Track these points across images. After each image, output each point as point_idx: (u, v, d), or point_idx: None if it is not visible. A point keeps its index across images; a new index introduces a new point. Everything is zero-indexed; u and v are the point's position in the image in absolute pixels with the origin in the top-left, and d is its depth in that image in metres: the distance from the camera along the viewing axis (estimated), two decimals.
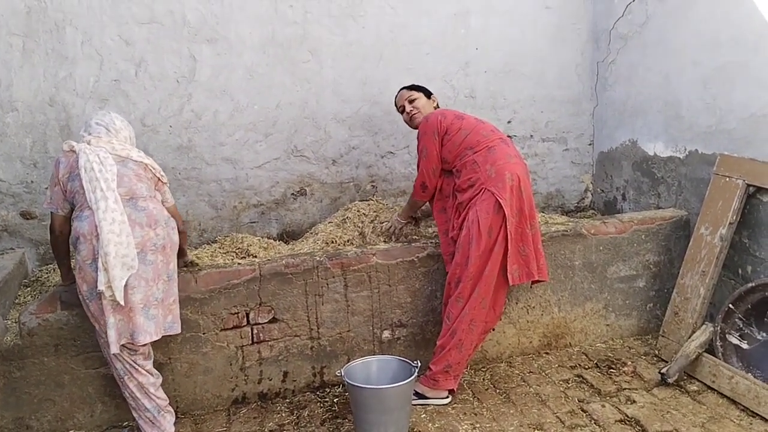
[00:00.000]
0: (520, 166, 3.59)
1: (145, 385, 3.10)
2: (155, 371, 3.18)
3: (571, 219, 4.38)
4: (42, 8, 3.95)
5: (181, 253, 3.41)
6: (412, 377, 3.24)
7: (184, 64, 4.26)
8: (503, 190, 3.46)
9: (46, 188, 4.04)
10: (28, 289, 3.86)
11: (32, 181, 4.07)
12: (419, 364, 3.35)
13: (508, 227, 3.44)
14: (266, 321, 3.60)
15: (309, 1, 4.46)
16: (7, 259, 3.90)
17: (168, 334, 3.15)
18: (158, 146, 4.28)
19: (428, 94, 4.06)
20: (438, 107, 4.06)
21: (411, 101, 3.98)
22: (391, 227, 4.12)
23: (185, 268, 3.49)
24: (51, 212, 3.13)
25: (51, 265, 4.07)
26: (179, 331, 3.20)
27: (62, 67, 4.03)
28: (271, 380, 3.67)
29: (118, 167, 3.01)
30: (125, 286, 2.89)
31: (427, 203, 4.00)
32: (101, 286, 2.84)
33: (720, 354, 3.70)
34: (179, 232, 3.26)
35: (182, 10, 4.20)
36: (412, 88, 4.07)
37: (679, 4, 4.31)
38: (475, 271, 3.47)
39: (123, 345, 2.98)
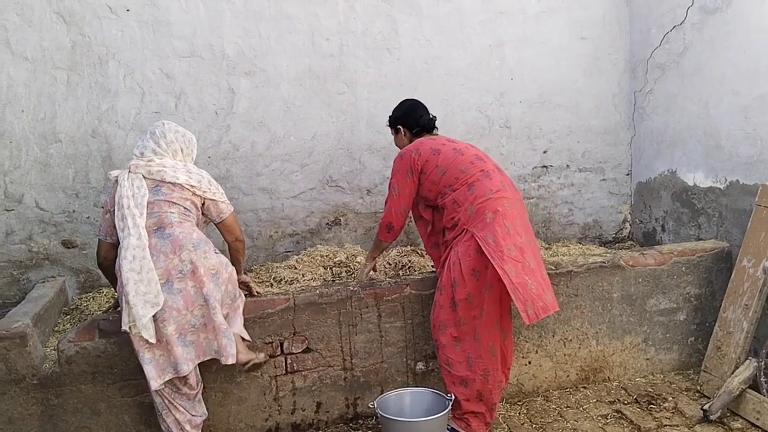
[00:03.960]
0: (503, 200, 3.36)
1: (182, 422, 3.10)
2: (200, 409, 3.17)
3: (609, 250, 4.33)
4: (86, 42, 4.08)
5: (236, 272, 3.27)
6: (446, 410, 3.20)
7: (223, 97, 4.34)
8: (483, 231, 3.28)
9: (88, 217, 4.16)
10: (68, 316, 3.93)
11: (74, 211, 4.16)
12: (453, 397, 3.30)
13: (497, 268, 3.15)
14: (300, 351, 3.60)
15: (345, 34, 4.53)
16: (47, 287, 3.98)
17: (217, 357, 3.00)
18: None
19: (396, 128, 3.89)
20: (412, 139, 3.82)
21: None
22: (360, 273, 3.92)
23: None
24: (98, 238, 3.17)
25: (91, 294, 4.15)
26: (231, 362, 3.00)
27: (105, 99, 4.14)
28: (304, 411, 3.66)
29: (151, 195, 3.00)
30: (156, 320, 2.88)
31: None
32: (124, 326, 2.85)
33: (765, 390, 3.58)
34: (237, 241, 3.30)
35: (221, 44, 4.30)
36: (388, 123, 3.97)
37: (718, 33, 4.27)
38: (465, 317, 3.33)
39: (169, 380, 2.97)
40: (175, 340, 2.92)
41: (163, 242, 2.95)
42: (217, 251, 3.13)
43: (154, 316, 2.88)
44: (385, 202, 3.71)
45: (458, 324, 3.37)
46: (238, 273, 3.32)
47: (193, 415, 3.13)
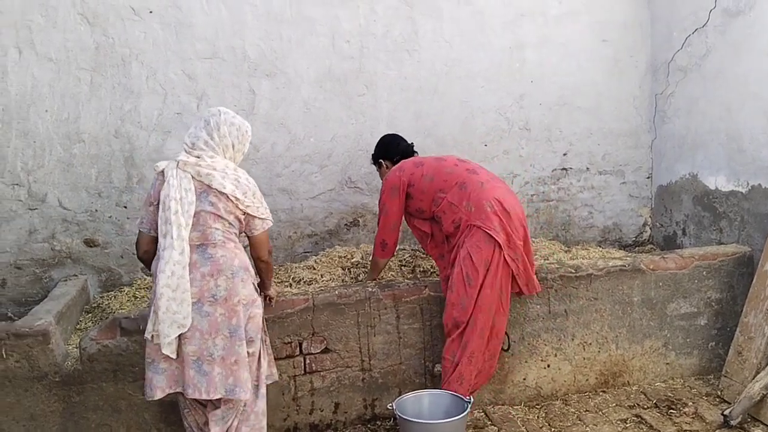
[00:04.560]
0: (497, 189, 3.54)
1: (201, 424, 3.01)
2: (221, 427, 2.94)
3: (629, 254, 4.30)
4: (110, 44, 4.12)
5: (263, 286, 3.22)
6: (465, 413, 3.19)
7: (244, 98, 4.37)
8: (488, 221, 3.41)
9: (110, 217, 4.20)
10: (89, 315, 3.97)
11: (96, 210, 4.20)
12: (472, 400, 3.30)
13: (508, 251, 3.42)
14: (319, 351, 3.61)
15: (365, 36, 4.54)
16: (70, 286, 4.02)
17: (229, 398, 2.84)
18: None
19: (378, 163, 4.08)
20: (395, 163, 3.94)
21: None
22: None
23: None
24: (140, 230, 3.00)
25: (112, 292, 4.18)
26: (244, 397, 2.86)
27: (128, 100, 4.18)
28: (322, 411, 3.67)
29: (198, 203, 2.82)
30: (179, 336, 2.77)
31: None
32: (147, 334, 2.79)
33: None
34: (259, 261, 3.06)
35: (243, 46, 4.32)
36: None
37: (741, 36, 4.24)
38: (473, 308, 3.42)
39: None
40: (191, 362, 2.79)
41: (204, 261, 2.81)
42: (257, 286, 3.04)
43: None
44: (378, 222, 3.81)
45: (467, 317, 3.43)
46: (265, 288, 3.25)
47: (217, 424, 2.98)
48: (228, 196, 2.83)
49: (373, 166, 4.19)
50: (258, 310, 2.95)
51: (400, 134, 4.17)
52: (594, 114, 5.06)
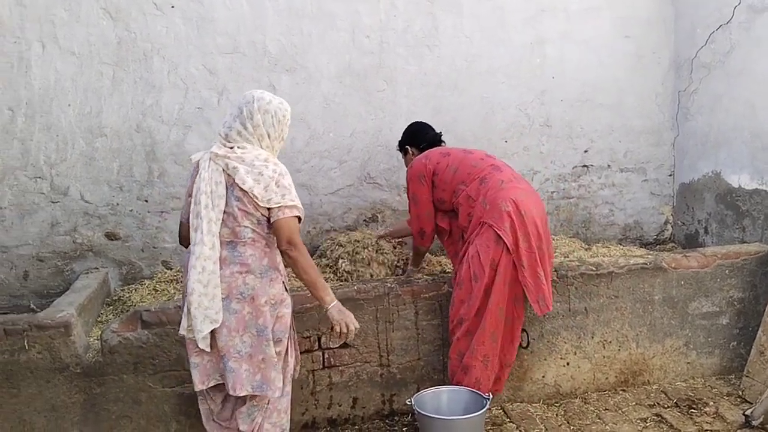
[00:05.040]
0: (516, 190, 3.45)
1: (214, 413, 3.00)
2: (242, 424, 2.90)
3: (651, 252, 4.27)
4: (132, 39, 4.15)
5: (314, 296, 2.99)
6: (484, 409, 3.18)
7: None
8: (500, 221, 3.34)
9: (131, 210, 4.23)
10: (111, 307, 4.00)
11: (118, 204, 4.23)
12: (491, 396, 3.29)
13: (514, 257, 3.34)
14: (337, 346, 3.61)
15: (386, 31, 4.53)
16: (91, 278, 4.06)
17: (256, 393, 2.82)
18: None
19: (404, 150, 4.09)
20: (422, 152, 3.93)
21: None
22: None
23: None
24: (181, 220, 3.01)
25: (133, 285, 4.21)
26: (272, 396, 2.83)
27: (149, 95, 4.21)
28: (340, 406, 3.68)
29: (228, 198, 2.76)
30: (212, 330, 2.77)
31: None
32: (182, 331, 2.78)
33: None
34: (284, 254, 2.83)
35: (264, 41, 4.33)
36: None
37: (766, 32, 4.18)
38: (479, 306, 3.37)
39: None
40: (220, 357, 2.80)
41: (233, 259, 2.77)
42: (287, 285, 2.94)
43: None
44: (409, 211, 3.82)
45: (474, 316, 3.40)
46: (319, 300, 2.95)
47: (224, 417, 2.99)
48: (247, 193, 2.73)
49: (399, 153, 4.19)
50: (287, 309, 2.87)
51: (427, 123, 4.17)
52: (616, 111, 5.02)
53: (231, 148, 2.80)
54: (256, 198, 2.72)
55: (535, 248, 3.37)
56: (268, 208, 2.76)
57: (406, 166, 4.00)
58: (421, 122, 4.17)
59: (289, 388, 2.98)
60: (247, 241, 2.78)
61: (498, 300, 3.38)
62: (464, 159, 3.64)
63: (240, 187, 2.73)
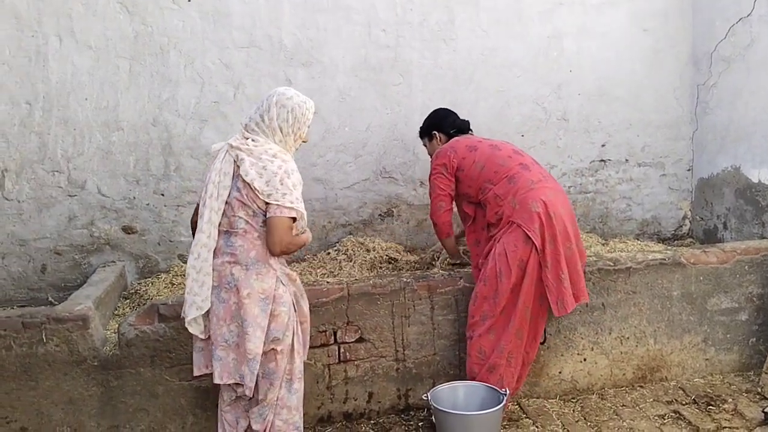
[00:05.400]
0: (546, 190, 3.44)
1: (225, 399, 2.98)
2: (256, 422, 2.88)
3: (669, 247, 4.22)
4: (148, 33, 4.15)
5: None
6: (501, 405, 3.17)
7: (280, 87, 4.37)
8: (530, 221, 3.35)
9: (147, 204, 4.24)
10: (127, 301, 4.02)
11: (134, 198, 4.24)
12: (508, 391, 3.27)
13: (540, 257, 3.35)
14: (353, 340, 3.61)
15: (402, 25, 4.51)
16: (108, 272, 4.07)
17: (239, 383, 2.82)
18: None
19: (430, 135, 4.01)
20: (447, 140, 3.90)
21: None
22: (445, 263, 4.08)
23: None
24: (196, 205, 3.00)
25: (149, 279, 4.23)
26: (248, 394, 2.80)
27: (165, 89, 4.21)
28: (356, 400, 3.67)
29: (232, 188, 2.78)
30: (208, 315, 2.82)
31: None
32: (182, 314, 2.85)
33: None
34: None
35: (279, 35, 4.32)
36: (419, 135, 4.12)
37: None
38: (506, 305, 3.39)
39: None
40: (210, 345, 2.85)
41: (226, 248, 2.79)
42: (284, 281, 2.87)
43: (207, 312, 2.82)
44: (430, 198, 3.80)
45: (498, 314, 3.40)
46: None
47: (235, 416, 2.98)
48: (248, 184, 2.73)
49: (421, 141, 4.15)
50: (283, 308, 2.81)
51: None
52: (633, 105, 4.97)
53: (246, 139, 2.83)
54: (257, 190, 2.71)
55: (562, 250, 3.37)
56: (266, 203, 2.74)
57: (429, 154, 3.97)
58: (444, 109, 4.10)
59: (298, 386, 2.96)
60: (239, 232, 2.79)
61: (526, 300, 3.38)
62: (492, 156, 3.60)
63: (242, 178, 2.74)
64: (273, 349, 2.81)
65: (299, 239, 2.88)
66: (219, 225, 2.80)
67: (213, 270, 2.79)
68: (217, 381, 2.81)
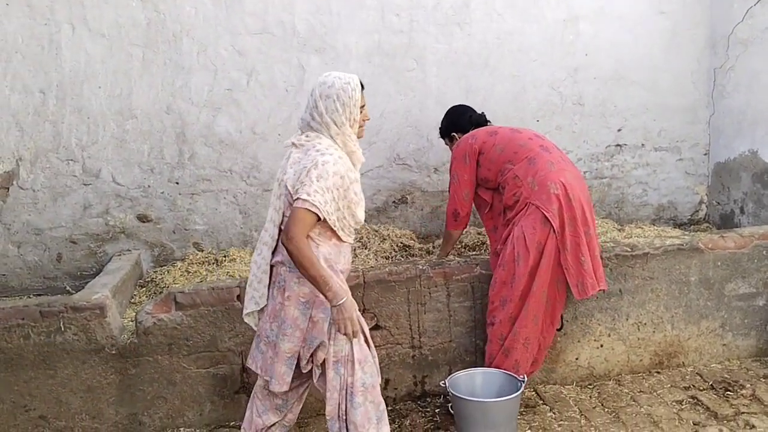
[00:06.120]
0: (565, 173, 3.41)
1: (256, 402, 2.92)
2: (274, 417, 2.87)
3: (686, 232, 4.19)
4: (161, 20, 4.14)
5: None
6: (519, 391, 3.16)
7: (293, 74, 4.35)
8: (548, 203, 3.31)
9: (162, 192, 4.23)
10: (143, 289, 4.03)
11: (149, 186, 4.25)
12: (526, 378, 3.26)
13: (558, 240, 3.32)
14: (369, 328, 3.59)
15: (415, 9, 4.47)
16: (124, 260, 4.09)
17: (266, 377, 2.78)
18: (267, 153, 4.39)
19: (450, 137, 3.99)
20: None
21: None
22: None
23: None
24: None
25: (165, 267, 4.24)
26: (275, 390, 2.73)
27: (179, 76, 4.20)
28: None
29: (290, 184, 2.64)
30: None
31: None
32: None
33: None
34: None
35: (293, 21, 4.29)
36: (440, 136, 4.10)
37: None
38: (523, 289, 3.36)
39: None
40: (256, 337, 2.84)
41: (280, 249, 2.70)
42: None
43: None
44: (449, 190, 3.78)
45: (517, 298, 3.38)
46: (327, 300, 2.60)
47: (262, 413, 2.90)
48: (284, 183, 2.65)
49: (443, 140, 4.13)
50: (322, 315, 2.66)
51: (466, 105, 4.13)
52: (650, 89, 4.91)
53: (301, 134, 2.74)
54: (288, 189, 2.61)
55: (582, 233, 3.34)
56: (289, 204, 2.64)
57: (451, 151, 3.92)
58: (460, 105, 4.10)
59: (360, 400, 2.72)
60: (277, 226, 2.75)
61: (542, 283, 3.36)
62: (512, 138, 3.58)
63: (283, 181, 2.67)
64: (323, 357, 2.69)
65: (304, 250, 2.51)
66: (280, 224, 2.70)
67: (271, 268, 2.75)
68: (253, 369, 2.82)
